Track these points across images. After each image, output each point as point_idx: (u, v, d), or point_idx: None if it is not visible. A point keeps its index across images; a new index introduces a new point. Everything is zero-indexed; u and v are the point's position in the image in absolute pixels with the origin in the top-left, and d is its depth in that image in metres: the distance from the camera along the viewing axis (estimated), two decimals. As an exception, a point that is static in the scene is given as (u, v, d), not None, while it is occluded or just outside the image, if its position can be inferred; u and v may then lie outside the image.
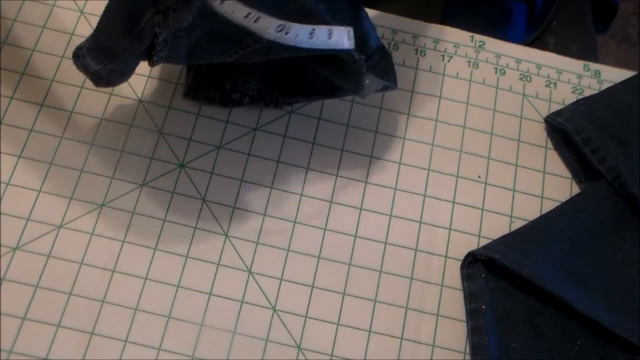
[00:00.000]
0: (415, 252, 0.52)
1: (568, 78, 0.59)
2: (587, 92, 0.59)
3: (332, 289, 0.50)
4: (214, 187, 0.52)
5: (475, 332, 0.49)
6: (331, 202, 0.53)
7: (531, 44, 0.67)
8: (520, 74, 0.59)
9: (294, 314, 0.49)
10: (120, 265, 0.49)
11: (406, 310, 0.50)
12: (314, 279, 0.50)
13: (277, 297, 0.50)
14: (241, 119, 0.55)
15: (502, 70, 0.59)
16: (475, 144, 0.56)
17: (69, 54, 0.55)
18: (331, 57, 0.47)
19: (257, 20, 0.43)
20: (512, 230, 0.53)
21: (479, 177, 0.55)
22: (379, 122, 0.56)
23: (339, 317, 0.50)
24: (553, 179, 0.55)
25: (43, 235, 0.50)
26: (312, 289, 0.50)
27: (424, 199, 0.54)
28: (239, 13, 0.43)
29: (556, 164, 0.56)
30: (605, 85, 0.59)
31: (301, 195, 0.53)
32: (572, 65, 0.60)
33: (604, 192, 0.53)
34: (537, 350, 0.49)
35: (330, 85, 0.51)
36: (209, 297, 0.49)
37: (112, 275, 0.49)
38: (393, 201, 0.53)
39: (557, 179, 0.55)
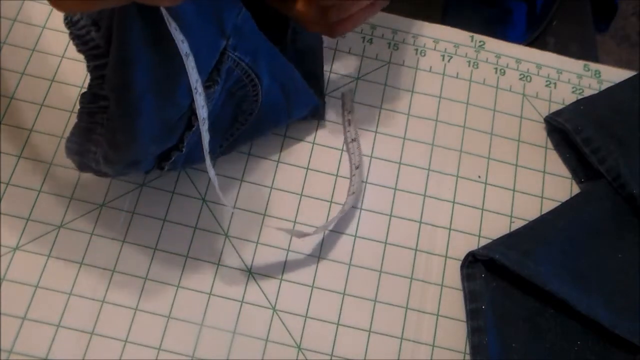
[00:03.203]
0: (415, 252, 0.52)
1: (568, 78, 0.59)
2: (587, 92, 0.59)
3: (332, 289, 0.50)
4: (214, 187, 0.52)
5: (475, 332, 0.49)
6: (331, 202, 0.53)
7: (531, 44, 0.67)
8: (520, 74, 0.59)
9: (294, 314, 0.49)
10: (120, 265, 0.49)
11: (406, 310, 0.50)
12: (314, 278, 0.50)
13: (277, 297, 0.50)
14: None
15: (502, 70, 0.59)
16: (475, 144, 0.56)
17: (69, 54, 0.55)
18: None
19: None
20: (512, 230, 0.53)
21: (479, 177, 0.55)
22: (378, 121, 0.56)
23: (339, 317, 0.49)
24: (553, 179, 0.55)
25: (43, 235, 0.50)
26: (312, 289, 0.50)
27: (424, 199, 0.54)
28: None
29: (556, 164, 0.56)
30: (605, 85, 0.59)
31: (301, 195, 0.53)
32: (572, 65, 0.60)
33: (604, 192, 0.53)
34: (537, 350, 0.49)
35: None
36: (209, 297, 0.49)
37: (112, 275, 0.49)
38: (393, 201, 0.53)
39: (557, 179, 0.55)
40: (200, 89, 0.41)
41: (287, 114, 0.52)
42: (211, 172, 0.44)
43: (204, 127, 0.43)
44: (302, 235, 0.49)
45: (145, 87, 0.41)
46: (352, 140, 0.54)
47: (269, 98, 0.49)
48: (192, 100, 0.43)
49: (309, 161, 0.54)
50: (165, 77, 0.41)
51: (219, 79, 0.44)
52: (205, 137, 0.43)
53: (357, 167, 0.53)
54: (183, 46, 0.39)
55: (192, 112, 0.44)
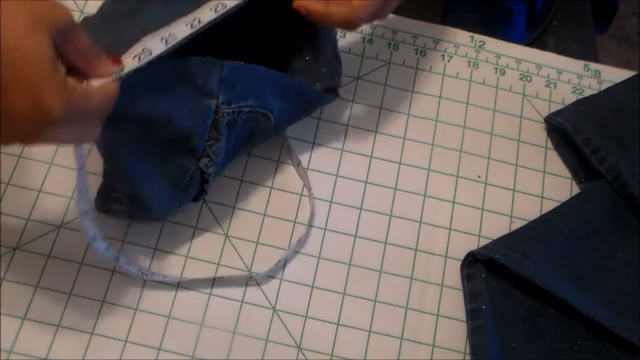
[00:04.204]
0: (415, 252, 0.52)
1: (568, 78, 0.59)
2: (587, 92, 0.59)
3: (332, 289, 0.50)
4: (215, 187, 0.52)
5: (475, 332, 0.49)
6: (331, 202, 0.53)
7: (531, 44, 0.67)
8: (520, 74, 0.59)
9: (294, 314, 0.49)
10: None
11: (406, 310, 0.50)
12: (314, 279, 0.50)
13: (277, 297, 0.49)
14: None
15: (502, 70, 0.59)
16: (475, 144, 0.56)
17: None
18: None
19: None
20: (512, 230, 0.53)
21: (479, 177, 0.55)
22: (379, 121, 0.56)
23: (339, 317, 0.49)
24: (553, 179, 0.55)
25: (43, 235, 0.50)
26: (312, 289, 0.50)
27: (424, 199, 0.54)
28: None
29: (556, 164, 0.56)
30: (605, 85, 0.59)
31: (301, 195, 0.53)
32: (572, 65, 0.60)
33: (604, 192, 0.53)
34: (537, 350, 0.49)
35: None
36: (209, 297, 0.49)
37: (112, 275, 0.49)
38: (393, 201, 0.53)
39: (557, 179, 0.55)
40: (83, 210, 0.42)
41: (303, 115, 0.53)
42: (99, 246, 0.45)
43: (86, 219, 0.42)
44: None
45: (142, 169, 0.43)
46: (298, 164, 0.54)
47: (284, 115, 0.50)
48: (199, 159, 0.45)
49: (309, 161, 0.54)
50: (160, 152, 0.44)
51: (220, 136, 0.45)
52: (89, 229, 0.43)
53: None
54: (80, 160, 0.40)
55: (201, 171, 0.46)
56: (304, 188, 0.53)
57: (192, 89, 0.43)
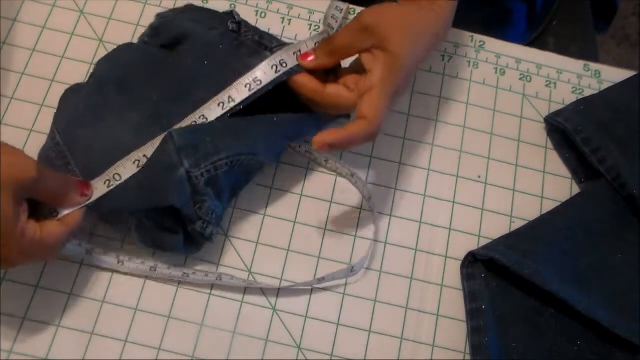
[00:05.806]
0: (415, 252, 0.52)
1: (568, 78, 0.59)
2: (587, 92, 0.59)
3: (332, 289, 0.50)
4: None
5: (475, 332, 0.49)
6: (331, 202, 0.53)
7: (531, 44, 0.67)
8: (520, 74, 0.59)
9: (294, 314, 0.49)
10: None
11: (406, 310, 0.50)
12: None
13: (277, 297, 0.49)
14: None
15: (502, 70, 0.59)
16: (475, 144, 0.56)
17: (69, 54, 0.55)
18: None
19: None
20: (512, 230, 0.53)
21: (479, 177, 0.55)
22: (379, 122, 0.56)
23: (339, 317, 0.49)
24: (553, 179, 0.55)
25: (43, 235, 0.50)
26: (312, 289, 0.50)
27: (424, 199, 0.54)
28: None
29: (556, 164, 0.56)
30: (605, 85, 0.59)
31: (301, 195, 0.53)
32: (572, 65, 0.60)
33: (604, 192, 0.53)
34: (537, 350, 0.49)
35: None
36: (209, 297, 0.49)
37: (112, 275, 0.49)
38: (393, 201, 0.53)
39: (557, 179, 0.55)
40: None
41: (301, 140, 0.53)
42: None
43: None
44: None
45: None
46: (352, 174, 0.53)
47: (273, 147, 0.50)
48: (194, 223, 0.46)
49: (309, 161, 0.54)
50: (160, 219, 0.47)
51: (204, 197, 0.46)
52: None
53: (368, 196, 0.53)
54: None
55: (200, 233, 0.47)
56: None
57: (156, 171, 0.45)
